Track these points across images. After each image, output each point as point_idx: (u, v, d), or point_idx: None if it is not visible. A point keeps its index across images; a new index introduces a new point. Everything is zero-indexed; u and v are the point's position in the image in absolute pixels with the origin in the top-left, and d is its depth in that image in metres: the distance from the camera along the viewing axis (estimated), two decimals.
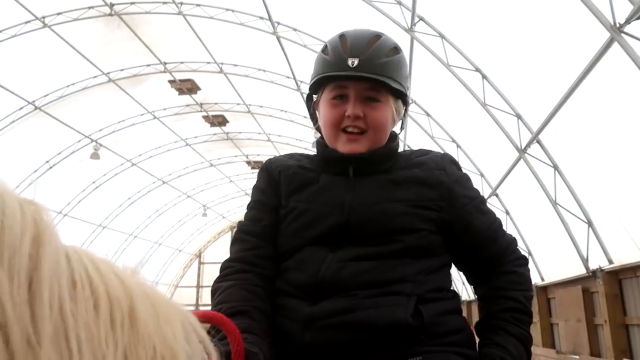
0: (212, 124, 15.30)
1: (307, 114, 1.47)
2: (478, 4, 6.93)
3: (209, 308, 1.18)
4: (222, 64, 12.28)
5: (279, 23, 10.13)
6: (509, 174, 8.33)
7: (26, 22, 9.93)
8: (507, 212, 9.08)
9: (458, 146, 9.50)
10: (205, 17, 10.38)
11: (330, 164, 1.33)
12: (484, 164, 9.26)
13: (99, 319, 0.41)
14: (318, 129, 1.42)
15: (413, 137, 10.26)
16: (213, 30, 10.93)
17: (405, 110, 1.38)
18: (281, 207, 1.32)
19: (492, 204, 8.39)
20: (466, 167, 8.96)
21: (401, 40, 6.88)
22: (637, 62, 4.64)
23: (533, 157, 7.34)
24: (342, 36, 1.30)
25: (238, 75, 12.61)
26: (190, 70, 12.55)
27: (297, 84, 11.95)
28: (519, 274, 1.30)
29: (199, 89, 13.31)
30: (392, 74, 1.27)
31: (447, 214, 1.26)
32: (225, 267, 1.27)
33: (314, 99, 1.40)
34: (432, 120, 9.70)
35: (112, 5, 10.08)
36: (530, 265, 1.36)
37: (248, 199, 1.44)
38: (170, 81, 12.92)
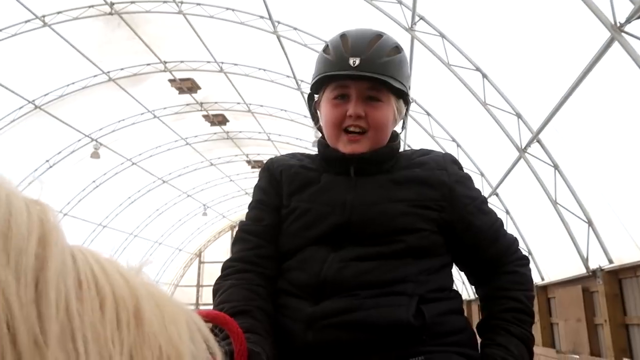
0: (213, 123, 15.30)
1: (307, 113, 1.48)
2: (478, 3, 6.92)
3: (209, 307, 1.18)
4: (222, 63, 12.28)
5: (279, 22, 10.12)
6: (509, 173, 8.33)
7: (26, 21, 9.93)
8: (508, 212, 9.08)
9: (458, 145, 9.50)
10: (205, 16, 10.37)
11: (331, 164, 1.33)
12: (484, 163, 9.26)
13: (105, 319, 0.41)
14: (319, 129, 1.42)
15: (413, 136, 10.26)
16: (213, 30, 10.92)
17: (407, 109, 1.38)
18: (283, 206, 1.32)
19: (493, 204, 8.38)
20: (466, 166, 8.92)
21: (401, 39, 6.87)
22: (638, 61, 4.64)
23: (533, 156, 7.34)
24: (343, 36, 1.30)
25: (238, 74, 12.61)
26: (190, 70, 12.55)
27: (297, 83, 11.95)
28: (521, 274, 1.30)
29: (199, 88, 13.31)
30: (394, 74, 1.27)
31: (448, 214, 1.26)
32: (227, 266, 1.28)
33: (315, 99, 1.40)
34: (433, 119, 9.70)
35: (112, 4, 10.08)
36: (531, 265, 1.36)
37: (248, 198, 1.44)
38: (170, 80, 12.92)
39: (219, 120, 15.08)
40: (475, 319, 10.68)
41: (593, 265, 6.80)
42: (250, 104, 14.20)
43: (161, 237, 20.94)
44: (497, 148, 8.19)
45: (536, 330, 8.60)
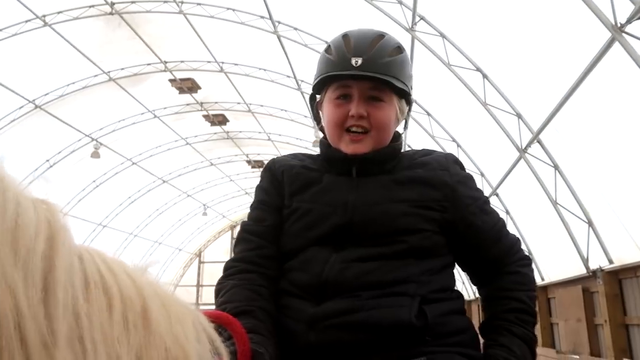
0: (213, 123, 15.30)
1: (307, 113, 1.48)
2: (479, 3, 6.92)
3: (209, 307, 1.18)
4: (222, 63, 12.28)
5: (279, 22, 10.13)
6: (510, 173, 8.33)
7: (27, 21, 9.93)
8: (508, 212, 9.08)
9: (458, 146, 9.50)
10: (205, 16, 10.38)
11: (333, 164, 1.33)
12: (485, 163, 9.26)
13: (113, 320, 0.41)
14: (321, 129, 1.42)
15: (413, 136, 10.26)
16: (214, 30, 10.93)
17: (409, 109, 1.38)
18: (284, 207, 1.32)
19: (493, 204, 8.37)
20: (466, 166, 8.90)
21: (402, 39, 6.86)
22: (638, 62, 4.64)
23: (533, 156, 7.34)
24: (345, 36, 1.30)
25: (238, 74, 12.61)
26: (190, 69, 12.55)
27: (297, 83, 11.94)
28: (523, 274, 1.30)
29: (199, 88, 13.31)
30: (396, 73, 1.27)
31: (450, 215, 1.26)
32: (229, 266, 1.28)
33: (318, 99, 1.40)
34: (433, 119, 9.70)
35: (112, 4, 10.08)
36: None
37: (248, 198, 1.44)
38: (170, 80, 12.93)
39: (219, 120, 15.08)
40: (475, 318, 10.68)
41: (593, 266, 6.81)
42: (250, 104, 14.20)
43: (161, 237, 20.94)
44: (497, 148, 8.19)
45: (536, 331, 8.55)
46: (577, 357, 7.27)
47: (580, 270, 7.15)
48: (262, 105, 14.20)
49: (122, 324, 0.42)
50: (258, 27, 10.36)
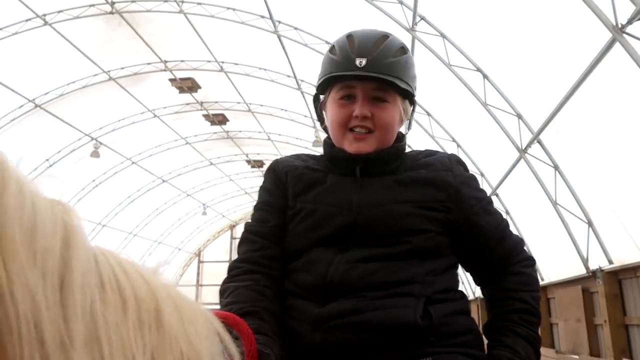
0: (213, 123, 15.29)
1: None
2: (479, 3, 6.92)
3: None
4: (222, 62, 12.27)
5: (280, 22, 10.12)
6: (510, 173, 8.33)
7: (27, 20, 9.92)
8: (507, 212, 9.08)
9: (458, 146, 9.49)
10: (206, 15, 10.37)
11: (337, 164, 1.33)
12: (485, 163, 9.26)
13: (128, 321, 0.41)
14: (325, 129, 1.42)
15: (414, 136, 10.26)
16: (214, 29, 10.92)
17: (413, 110, 1.39)
18: (288, 207, 1.32)
19: None
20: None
21: (402, 39, 6.86)
22: (639, 62, 4.64)
23: (533, 157, 7.34)
24: (349, 36, 1.30)
25: (238, 74, 12.60)
26: (190, 69, 12.54)
27: (297, 83, 11.94)
28: (527, 275, 1.30)
29: (199, 87, 13.31)
30: (400, 74, 1.27)
31: (454, 215, 1.27)
32: (233, 267, 1.27)
33: (321, 99, 1.40)
34: (433, 119, 9.69)
35: (113, 4, 10.08)
36: None
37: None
38: (170, 80, 12.92)
39: (219, 119, 15.07)
40: (475, 318, 10.68)
41: (593, 266, 6.81)
42: (250, 104, 14.19)
43: (161, 237, 20.93)
44: (497, 148, 8.19)
45: None
46: (577, 357, 7.27)
47: (580, 271, 7.15)
48: (262, 105, 14.19)
49: (137, 325, 0.42)
50: (258, 26, 10.35)
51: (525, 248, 1.37)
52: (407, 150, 1.40)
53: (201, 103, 14.23)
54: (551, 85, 6.29)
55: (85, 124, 13.35)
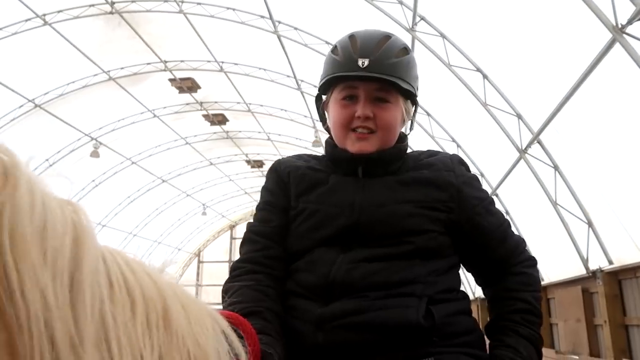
0: (212, 123, 15.29)
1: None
2: (479, 4, 6.93)
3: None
4: (222, 62, 12.27)
5: (279, 22, 10.12)
6: (510, 174, 8.34)
7: (27, 20, 9.92)
8: (507, 212, 9.08)
9: (458, 146, 9.50)
10: (206, 15, 10.37)
11: (339, 164, 1.34)
12: (484, 164, 9.26)
13: (136, 320, 0.41)
14: (327, 129, 1.43)
15: (413, 136, 10.26)
16: (214, 29, 10.92)
17: (415, 110, 1.39)
18: (291, 208, 1.32)
19: None
20: None
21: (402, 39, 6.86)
22: (639, 63, 4.64)
23: (533, 157, 7.35)
24: (351, 37, 1.30)
25: (238, 74, 12.60)
26: (190, 69, 12.54)
27: (297, 83, 11.94)
28: (528, 275, 1.30)
29: (199, 87, 13.30)
30: (402, 75, 1.27)
31: (456, 215, 1.27)
32: (236, 267, 1.28)
33: (323, 100, 1.40)
34: (433, 120, 9.70)
35: (113, 3, 10.07)
36: None
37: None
38: (170, 80, 12.91)
39: (218, 119, 15.06)
40: (475, 318, 10.68)
41: (593, 266, 6.82)
42: (250, 104, 14.19)
43: (160, 237, 20.92)
44: (497, 148, 8.19)
45: None
46: (577, 357, 7.28)
47: (580, 271, 7.15)
48: (262, 105, 14.19)
49: (146, 325, 0.42)
50: (258, 26, 10.35)
51: (526, 248, 1.38)
52: (409, 150, 1.40)
53: (201, 103, 14.23)
54: (551, 85, 6.30)
55: (85, 124, 13.34)
